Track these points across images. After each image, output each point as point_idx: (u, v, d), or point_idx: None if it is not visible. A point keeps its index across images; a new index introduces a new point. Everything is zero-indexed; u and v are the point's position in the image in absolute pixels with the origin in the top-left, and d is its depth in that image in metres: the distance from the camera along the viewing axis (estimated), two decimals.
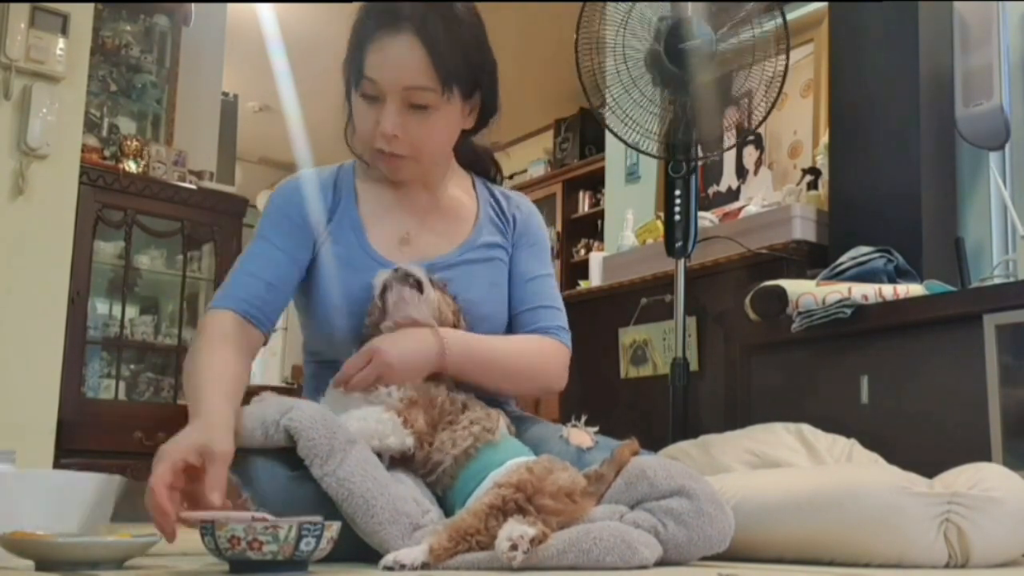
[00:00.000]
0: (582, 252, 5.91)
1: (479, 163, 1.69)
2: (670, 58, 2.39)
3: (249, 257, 1.48)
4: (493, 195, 1.65)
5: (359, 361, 1.37)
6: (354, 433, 1.26)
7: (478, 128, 1.58)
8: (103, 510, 1.37)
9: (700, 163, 2.44)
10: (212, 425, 1.22)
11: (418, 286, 1.42)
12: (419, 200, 1.57)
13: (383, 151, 1.47)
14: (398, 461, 1.32)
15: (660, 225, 3.05)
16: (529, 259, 1.60)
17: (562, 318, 1.59)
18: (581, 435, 1.44)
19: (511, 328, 1.57)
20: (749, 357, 2.54)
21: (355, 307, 1.46)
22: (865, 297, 2.25)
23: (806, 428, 1.87)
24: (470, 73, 1.47)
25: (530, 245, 1.62)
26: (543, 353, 1.54)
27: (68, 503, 1.31)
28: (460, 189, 1.63)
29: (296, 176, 1.57)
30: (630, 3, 2.43)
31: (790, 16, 3.42)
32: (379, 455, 1.28)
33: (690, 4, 2.43)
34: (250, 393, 1.38)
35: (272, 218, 1.52)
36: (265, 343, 1.47)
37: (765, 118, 2.51)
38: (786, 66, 2.41)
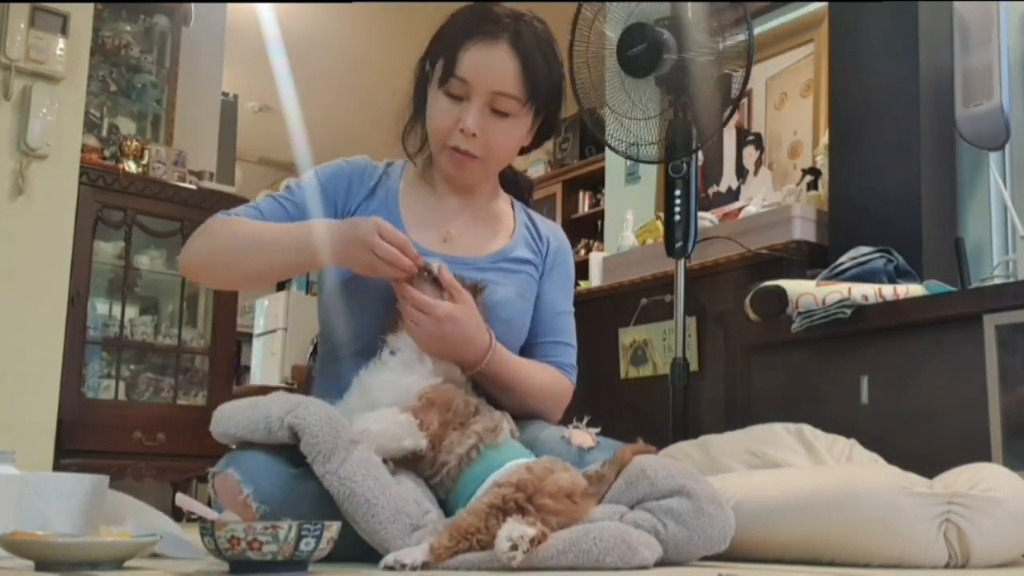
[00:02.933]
0: (582, 252, 5.90)
1: (516, 186, 1.76)
2: (622, 64, 2.40)
3: (266, 199, 1.58)
4: (531, 218, 1.71)
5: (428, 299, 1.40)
6: (374, 433, 1.27)
7: (533, 147, 1.65)
8: (98, 510, 1.37)
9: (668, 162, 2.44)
10: (344, 221, 1.45)
11: (435, 283, 1.42)
12: (459, 212, 1.62)
13: (458, 149, 1.53)
14: (401, 462, 1.32)
15: (660, 225, 3.05)
16: (558, 291, 1.66)
17: (575, 356, 1.66)
18: (582, 435, 1.44)
19: (528, 351, 1.61)
20: (749, 357, 2.54)
21: (378, 287, 1.47)
22: (865, 297, 2.25)
23: (806, 428, 1.87)
24: (547, 92, 1.56)
25: (561, 277, 1.68)
26: (557, 389, 1.60)
27: (71, 504, 1.31)
28: (501, 206, 1.69)
29: (347, 158, 1.64)
30: (611, 3, 2.44)
31: (790, 16, 3.44)
32: (385, 461, 1.28)
33: (689, 5, 2.43)
34: (252, 393, 1.39)
35: (305, 181, 1.59)
36: None
37: (726, 122, 2.51)
38: (747, 75, 2.39)
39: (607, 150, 4.21)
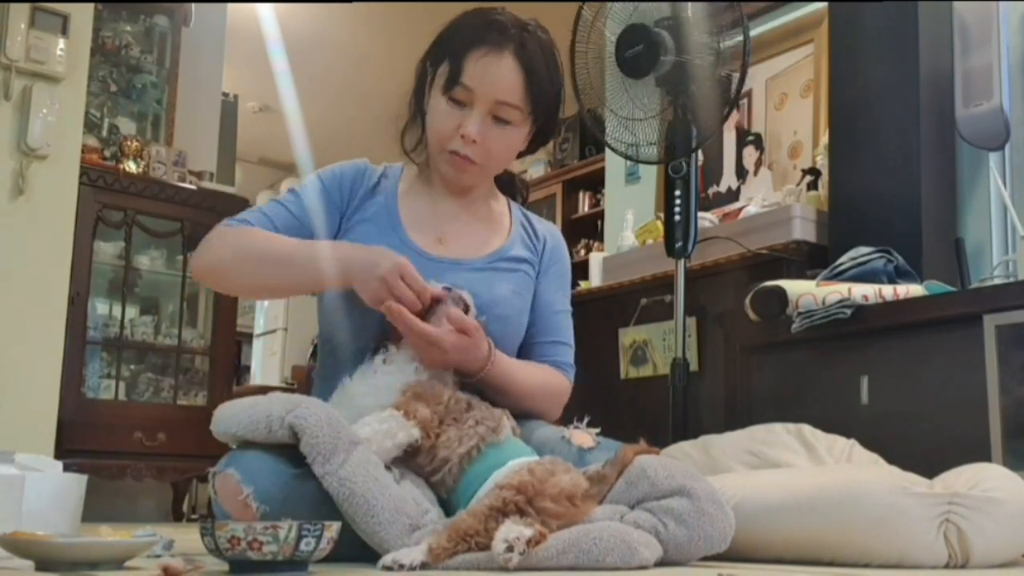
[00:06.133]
0: (582, 252, 5.90)
1: (512, 187, 1.78)
2: (620, 64, 2.40)
3: (272, 203, 1.60)
4: (527, 217, 1.73)
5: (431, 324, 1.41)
6: (367, 438, 1.27)
7: (528, 152, 1.67)
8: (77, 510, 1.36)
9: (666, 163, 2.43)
10: (367, 248, 1.46)
11: (465, 309, 1.44)
12: (456, 213, 1.64)
13: (457, 153, 1.55)
14: (401, 460, 1.31)
15: (660, 225, 3.05)
16: (555, 291, 1.68)
17: (572, 355, 1.68)
18: (583, 435, 1.44)
19: (526, 351, 1.62)
20: (749, 357, 2.54)
21: None
22: (865, 297, 2.25)
23: (806, 428, 1.87)
24: (548, 102, 1.59)
25: (558, 276, 1.69)
26: (555, 389, 1.62)
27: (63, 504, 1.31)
28: (498, 206, 1.71)
29: (346, 161, 1.66)
30: (611, 3, 2.43)
31: (790, 16, 3.44)
32: (388, 468, 1.28)
33: (690, 5, 2.43)
34: (252, 393, 1.39)
35: (307, 185, 1.61)
36: None
37: (724, 121, 2.50)
38: (742, 76, 2.38)
39: (607, 150, 4.22)
